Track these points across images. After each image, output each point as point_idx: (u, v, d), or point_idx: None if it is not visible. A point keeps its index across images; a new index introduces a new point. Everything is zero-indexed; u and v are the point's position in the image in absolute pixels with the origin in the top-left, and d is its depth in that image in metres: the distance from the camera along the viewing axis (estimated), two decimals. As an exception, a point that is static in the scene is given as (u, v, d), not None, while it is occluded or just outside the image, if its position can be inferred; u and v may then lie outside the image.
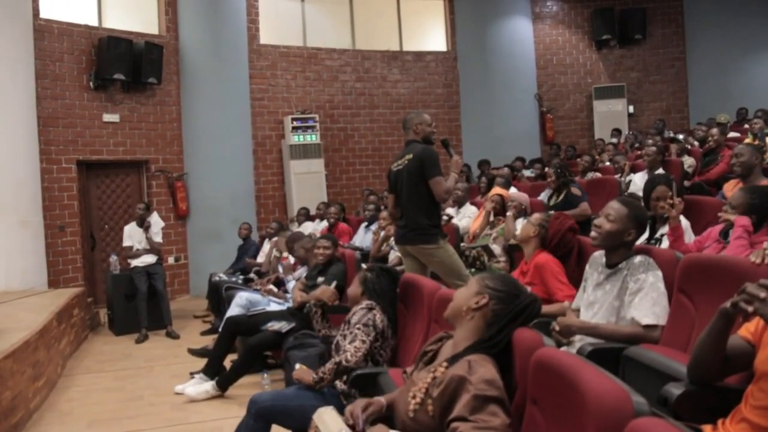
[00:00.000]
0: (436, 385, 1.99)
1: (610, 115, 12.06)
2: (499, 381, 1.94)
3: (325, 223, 8.28)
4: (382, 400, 2.26)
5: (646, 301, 2.63)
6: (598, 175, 7.68)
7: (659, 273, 2.69)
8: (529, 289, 3.54)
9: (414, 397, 2.03)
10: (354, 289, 3.38)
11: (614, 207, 2.79)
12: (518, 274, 3.79)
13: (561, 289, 3.46)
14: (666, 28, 12.59)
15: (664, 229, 3.77)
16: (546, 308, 3.33)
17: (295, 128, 10.46)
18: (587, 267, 3.00)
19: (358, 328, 3.09)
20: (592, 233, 2.83)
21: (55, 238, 8.41)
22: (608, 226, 2.74)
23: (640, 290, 2.65)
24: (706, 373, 1.93)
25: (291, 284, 5.63)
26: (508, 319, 2.10)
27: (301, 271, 5.66)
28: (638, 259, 2.73)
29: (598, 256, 2.92)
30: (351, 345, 3.03)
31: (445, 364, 2.04)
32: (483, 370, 1.93)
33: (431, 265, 4.28)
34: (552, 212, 3.99)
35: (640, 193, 5.82)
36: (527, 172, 9.71)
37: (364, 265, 5.43)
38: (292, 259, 6.15)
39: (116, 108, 9.15)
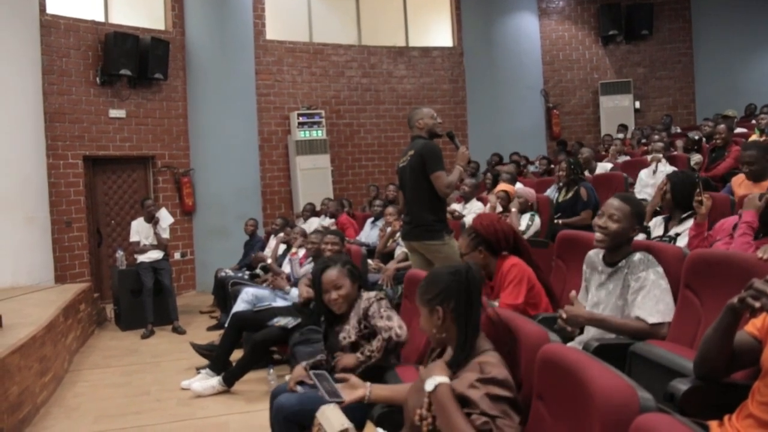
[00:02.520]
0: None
1: (617, 110, 12.02)
2: (511, 382, 1.93)
3: (332, 219, 8.30)
4: (366, 392, 2.33)
5: (649, 300, 2.60)
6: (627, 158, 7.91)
7: (660, 269, 2.66)
8: (490, 303, 3.44)
9: (424, 419, 1.97)
10: (349, 289, 3.07)
11: (616, 206, 2.73)
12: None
13: (508, 296, 3.18)
14: (673, 23, 12.53)
15: (679, 227, 3.74)
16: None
17: (301, 124, 10.46)
18: (584, 267, 2.97)
19: (385, 311, 2.96)
20: (598, 235, 2.75)
21: (62, 234, 8.45)
22: (615, 227, 2.69)
23: (642, 288, 2.62)
24: (712, 369, 1.92)
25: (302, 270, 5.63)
26: (465, 303, 2.06)
27: (308, 267, 5.66)
28: (637, 256, 2.69)
29: (594, 254, 2.89)
30: (391, 322, 2.93)
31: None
32: (495, 371, 1.92)
33: (437, 261, 4.27)
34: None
35: (647, 189, 5.87)
36: (532, 168, 9.70)
37: (370, 261, 5.46)
38: (300, 253, 6.15)
39: (122, 104, 9.18)
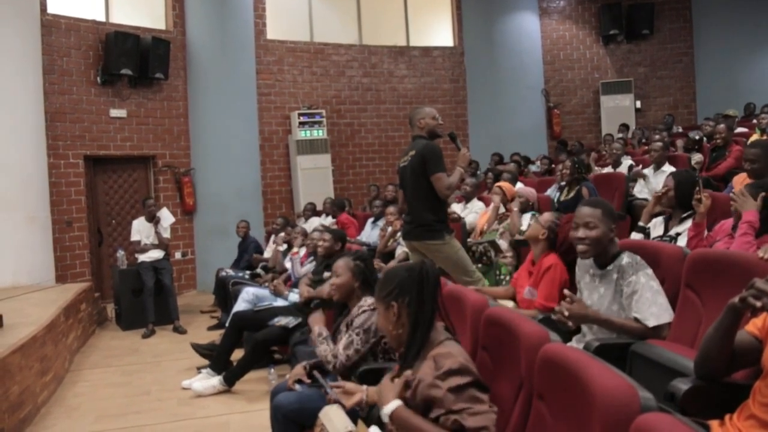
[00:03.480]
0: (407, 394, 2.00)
1: (618, 110, 12.01)
2: (467, 365, 1.93)
3: (334, 219, 8.30)
4: (363, 396, 2.35)
5: (643, 304, 2.61)
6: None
7: (649, 271, 2.66)
8: (531, 291, 3.51)
9: None
10: (346, 280, 3.15)
11: (588, 213, 2.74)
12: (524, 273, 3.74)
13: (544, 295, 3.37)
14: (674, 23, 12.52)
15: (680, 227, 3.73)
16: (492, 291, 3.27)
17: (301, 124, 10.46)
18: (577, 270, 2.98)
19: (357, 334, 2.97)
20: (580, 247, 2.76)
21: (63, 234, 8.46)
22: (594, 234, 2.70)
23: (634, 293, 2.63)
24: (713, 368, 1.92)
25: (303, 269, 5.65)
26: (417, 297, 2.08)
27: (309, 267, 5.66)
28: (626, 260, 2.70)
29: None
30: (344, 351, 2.95)
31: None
32: (449, 362, 1.92)
33: (438, 261, 4.26)
34: (561, 214, 3.81)
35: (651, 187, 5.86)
36: (533, 167, 9.69)
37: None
38: (301, 253, 6.16)
39: (123, 103, 9.18)
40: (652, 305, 2.59)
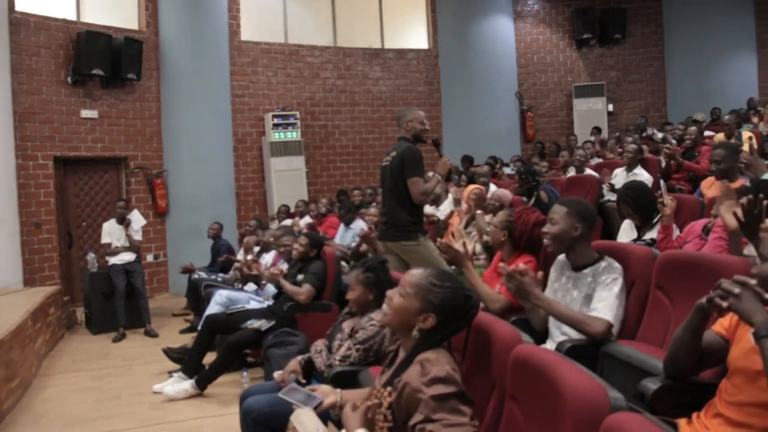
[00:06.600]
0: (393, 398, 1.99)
1: (590, 113, 12.16)
2: (453, 375, 1.91)
3: (306, 219, 8.26)
4: (337, 399, 2.35)
5: (596, 296, 2.68)
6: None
7: (620, 279, 2.70)
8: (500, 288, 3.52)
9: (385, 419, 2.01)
10: (359, 294, 3.14)
11: (556, 210, 2.86)
12: (493, 274, 3.69)
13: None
14: (645, 28, 12.72)
15: (652, 232, 3.78)
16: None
17: (275, 125, 10.44)
18: (552, 269, 3.02)
19: (357, 350, 2.98)
20: (544, 241, 2.91)
21: (31, 236, 8.29)
22: (554, 229, 2.82)
23: (596, 289, 2.70)
24: (681, 368, 1.95)
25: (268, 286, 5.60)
26: (452, 329, 2.08)
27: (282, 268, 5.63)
28: (603, 265, 2.76)
29: (563, 259, 2.94)
30: (340, 363, 2.99)
31: (389, 388, 2.02)
32: (436, 369, 1.90)
33: (413, 263, 4.27)
34: (513, 210, 3.80)
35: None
36: (507, 170, 9.75)
37: (344, 263, 5.44)
38: (269, 257, 6.12)
39: (95, 104, 9.05)
40: (600, 301, 2.65)
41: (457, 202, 6.15)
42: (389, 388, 2.01)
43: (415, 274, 2.13)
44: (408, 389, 1.91)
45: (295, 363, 3.14)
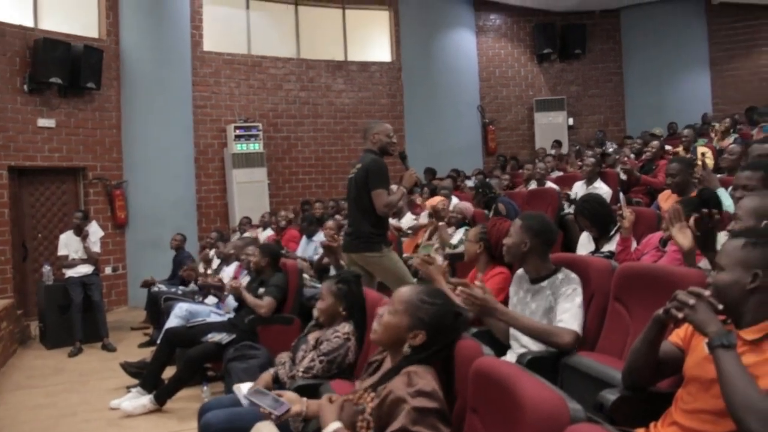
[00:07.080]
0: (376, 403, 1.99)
1: (551, 126, 12.36)
2: (439, 392, 1.93)
3: (269, 232, 8.21)
4: (302, 409, 2.32)
5: (559, 307, 2.71)
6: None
7: (579, 289, 2.75)
8: None
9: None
10: (329, 305, 3.15)
11: (514, 222, 2.99)
12: None
13: None
14: (604, 43, 13.00)
15: (610, 245, 3.84)
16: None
17: (238, 137, 10.37)
18: (512, 285, 3.06)
19: (321, 361, 2.97)
20: (503, 251, 3.01)
21: (-16, 248, 8.06)
22: (508, 242, 2.94)
23: (557, 301, 2.75)
24: (639, 378, 1.99)
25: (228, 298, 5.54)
26: (442, 345, 2.09)
27: (244, 280, 5.57)
28: (561, 277, 2.81)
29: (522, 273, 2.99)
30: (303, 374, 2.98)
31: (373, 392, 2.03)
32: (422, 383, 1.91)
33: (377, 274, 4.28)
34: (485, 224, 3.86)
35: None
36: (469, 183, 9.83)
37: (306, 276, 5.41)
38: (230, 270, 6.06)
39: (52, 113, 8.86)
40: (565, 312, 2.68)
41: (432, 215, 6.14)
42: (372, 394, 2.01)
43: (405, 291, 2.14)
44: (392, 397, 1.91)
45: (267, 375, 3.13)
